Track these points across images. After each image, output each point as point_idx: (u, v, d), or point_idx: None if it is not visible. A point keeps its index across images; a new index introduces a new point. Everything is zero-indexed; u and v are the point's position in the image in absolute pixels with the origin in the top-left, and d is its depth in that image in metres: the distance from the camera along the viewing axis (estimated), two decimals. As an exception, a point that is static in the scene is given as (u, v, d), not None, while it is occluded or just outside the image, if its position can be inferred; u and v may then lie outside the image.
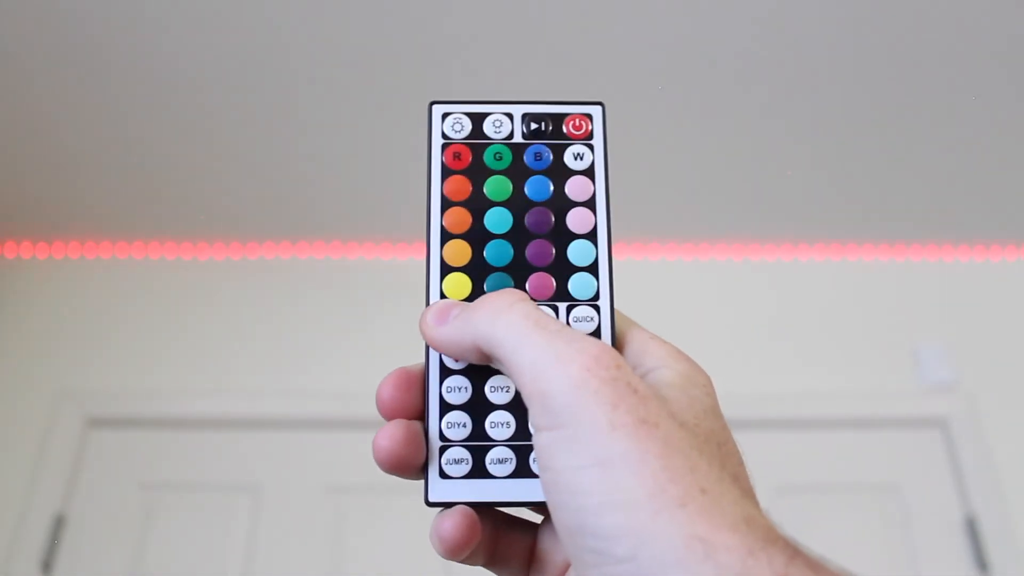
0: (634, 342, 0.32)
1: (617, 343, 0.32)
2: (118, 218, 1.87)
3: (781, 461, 1.69)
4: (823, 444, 1.75)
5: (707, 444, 0.27)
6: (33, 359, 1.81)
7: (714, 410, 0.29)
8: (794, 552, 0.24)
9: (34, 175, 1.74)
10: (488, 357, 0.30)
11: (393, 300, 1.79)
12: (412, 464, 0.31)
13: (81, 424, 1.72)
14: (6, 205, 1.83)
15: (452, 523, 0.30)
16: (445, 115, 0.35)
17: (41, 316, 1.87)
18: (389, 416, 0.32)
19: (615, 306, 0.33)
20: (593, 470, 0.25)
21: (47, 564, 1.57)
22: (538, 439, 0.27)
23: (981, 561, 1.61)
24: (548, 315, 0.30)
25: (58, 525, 1.61)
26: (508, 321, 0.29)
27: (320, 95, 1.54)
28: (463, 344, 0.30)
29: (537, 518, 0.33)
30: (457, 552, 0.30)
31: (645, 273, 1.90)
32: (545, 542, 0.32)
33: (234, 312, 1.88)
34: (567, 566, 0.31)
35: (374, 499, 1.57)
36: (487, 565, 0.32)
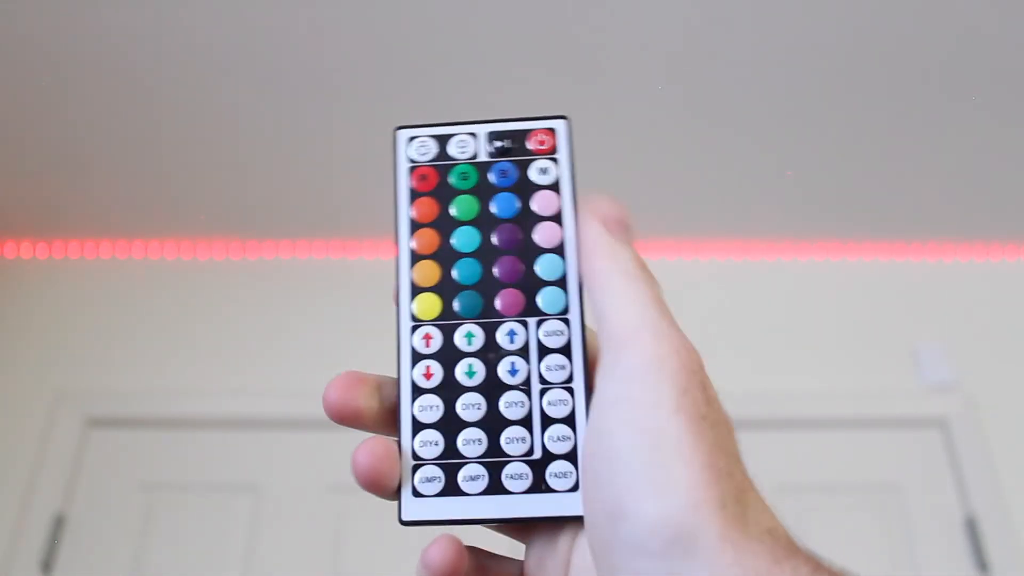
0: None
1: (590, 356, 0.32)
2: (118, 218, 1.87)
3: (781, 461, 1.69)
4: (823, 444, 1.75)
5: (741, 456, 0.28)
6: (33, 359, 1.82)
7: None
8: (817, 565, 0.25)
9: (34, 175, 1.74)
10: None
11: (393, 300, 1.79)
12: (388, 482, 0.31)
13: (81, 424, 1.72)
14: (6, 205, 1.83)
15: (438, 549, 0.29)
16: (411, 139, 0.37)
17: (41, 316, 1.87)
18: (336, 417, 0.31)
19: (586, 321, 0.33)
20: (647, 439, 0.26)
21: (47, 564, 1.57)
22: (602, 394, 0.28)
23: (981, 561, 1.61)
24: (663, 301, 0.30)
25: (58, 525, 1.61)
26: (625, 270, 0.30)
27: (320, 95, 1.54)
28: (614, 225, 0.32)
29: (520, 551, 0.33)
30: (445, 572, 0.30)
31: (645, 273, 1.90)
32: (533, 568, 0.32)
33: (234, 312, 1.88)
34: None
35: (374, 499, 1.56)
36: None
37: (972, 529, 1.65)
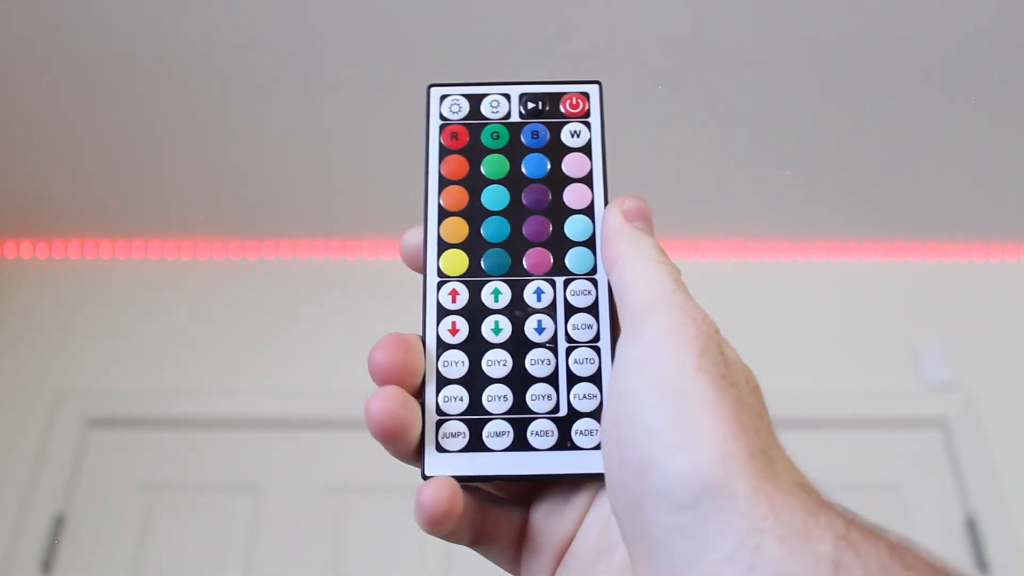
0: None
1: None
2: (118, 218, 1.87)
3: (781, 461, 1.69)
4: (823, 444, 1.75)
5: (767, 413, 0.28)
6: (33, 359, 1.82)
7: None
8: (851, 519, 0.25)
9: (34, 175, 1.74)
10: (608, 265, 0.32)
11: (393, 300, 1.79)
12: (404, 431, 0.30)
13: (81, 424, 1.72)
14: (6, 205, 1.83)
15: (432, 490, 0.29)
16: (443, 97, 0.36)
17: (41, 316, 1.87)
18: (383, 380, 0.30)
19: None
20: (671, 398, 0.26)
21: (47, 564, 1.57)
22: (619, 366, 0.28)
23: (981, 561, 1.61)
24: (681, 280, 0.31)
25: (58, 525, 1.61)
26: (646, 255, 0.31)
27: (320, 95, 1.54)
28: (637, 216, 0.33)
29: (526, 497, 0.32)
30: (439, 523, 0.29)
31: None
32: (540, 520, 0.31)
33: (234, 312, 1.88)
34: (563, 546, 0.31)
35: (374, 499, 1.57)
36: (473, 544, 0.31)
37: (972, 529, 1.65)
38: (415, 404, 0.30)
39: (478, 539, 0.31)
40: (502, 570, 0.33)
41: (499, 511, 0.32)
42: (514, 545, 0.32)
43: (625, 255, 0.31)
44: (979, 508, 1.66)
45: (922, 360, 1.83)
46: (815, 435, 1.76)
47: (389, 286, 1.92)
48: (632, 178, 1.76)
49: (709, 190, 1.80)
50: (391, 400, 0.29)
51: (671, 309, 0.28)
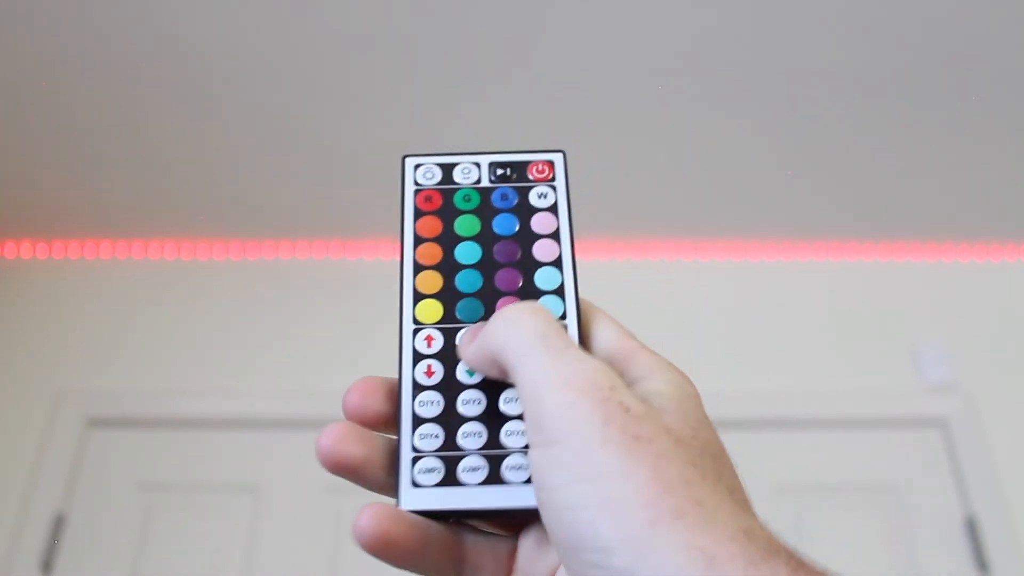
0: (621, 352, 0.32)
1: (601, 355, 0.32)
2: (118, 218, 1.87)
3: (781, 461, 1.69)
4: (823, 444, 1.75)
5: (703, 457, 0.27)
6: (33, 359, 1.82)
7: (706, 421, 0.29)
8: (797, 564, 0.24)
9: (34, 176, 1.74)
10: (503, 371, 0.30)
11: (393, 300, 1.79)
12: (355, 464, 0.31)
13: (81, 424, 1.72)
14: (6, 205, 1.83)
15: (367, 517, 0.29)
16: (417, 166, 0.38)
17: (41, 316, 1.87)
18: (353, 420, 0.32)
19: (615, 317, 0.34)
20: (585, 484, 0.26)
21: (47, 564, 1.57)
22: (532, 456, 0.28)
23: (981, 561, 1.61)
24: (558, 330, 0.30)
25: (58, 525, 1.61)
26: (516, 336, 0.30)
27: (320, 95, 1.54)
28: (484, 357, 0.31)
29: (514, 528, 0.32)
30: (375, 549, 0.29)
31: (644, 273, 1.90)
32: (529, 551, 0.31)
33: (234, 312, 1.88)
34: None
35: (374, 499, 1.57)
36: None
37: (972, 529, 1.65)
38: (370, 438, 0.31)
39: (463, 572, 0.31)
40: None
41: (485, 544, 0.32)
42: None
43: (511, 373, 0.30)
44: (979, 508, 1.66)
45: (922, 360, 1.83)
46: (815, 435, 1.76)
47: (389, 286, 1.92)
48: (632, 178, 1.76)
49: (710, 190, 1.80)
50: (335, 435, 0.31)
51: (557, 390, 0.27)
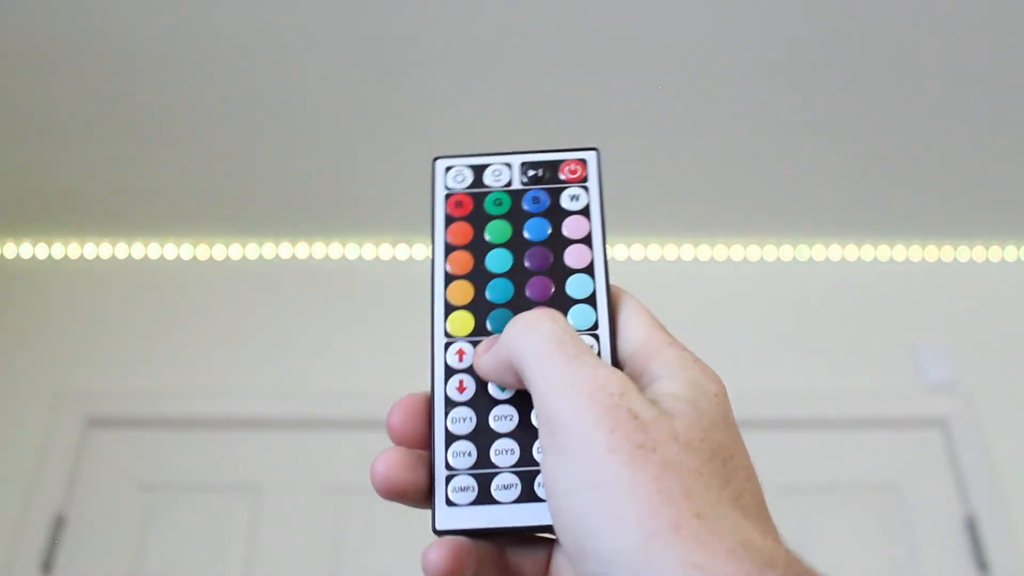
0: (645, 348, 0.32)
1: (627, 349, 0.32)
2: (118, 218, 1.87)
3: (781, 461, 1.69)
4: (823, 444, 1.75)
5: (711, 462, 0.27)
6: (33, 359, 1.81)
7: (724, 420, 0.29)
8: (796, 574, 0.24)
9: (35, 175, 1.74)
10: (519, 378, 0.30)
11: (393, 300, 1.79)
12: (408, 490, 0.31)
13: (81, 424, 1.72)
14: (6, 205, 1.83)
15: (436, 554, 0.29)
16: (448, 168, 0.38)
17: (41, 316, 1.87)
18: (398, 442, 0.32)
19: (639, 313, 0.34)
20: (589, 493, 0.26)
21: (47, 564, 1.57)
22: (544, 462, 0.28)
23: (981, 561, 1.61)
24: (573, 335, 0.30)
25: (58, 525, 1.61)
26: (532, 340, 0.30)
27: (321, 95, 1.54)
28: (501, 365, 0.31)
29: (551, 536, 0.33)
30: None
31: (645, 272, 1.90)
32: (561, 560, 0.32)
33: (234, 312, 1.88)
34: None
35: (374, 499, 1.55)
36: None
37: (972, 529, 1.65)
38: (417, 462, 0.32)
39: None
40: None
41: (522, 552, 0.32)
42: None
43: (528, 379, 0.30)
44: (979, 508, 1.66)
45: (922, 360, 1.83)
46: (815, 435, 1.76)
47: (389, 286, 1.92)
48: (633, 178, 1.76)
49: (710, 189, 1.80)
50: (391, 464, 0.31)
51: (566, 395, 0.28)
